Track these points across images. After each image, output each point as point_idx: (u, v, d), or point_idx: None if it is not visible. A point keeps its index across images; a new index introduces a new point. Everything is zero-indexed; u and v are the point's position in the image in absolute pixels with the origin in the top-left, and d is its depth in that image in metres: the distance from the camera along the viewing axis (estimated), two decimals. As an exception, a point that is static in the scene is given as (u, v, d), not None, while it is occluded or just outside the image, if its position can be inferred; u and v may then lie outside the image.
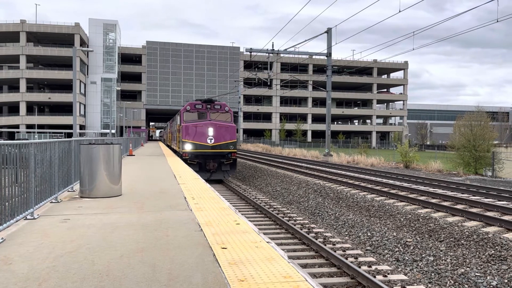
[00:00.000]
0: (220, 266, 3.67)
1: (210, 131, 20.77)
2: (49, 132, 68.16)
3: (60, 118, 74.04)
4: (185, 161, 19.75)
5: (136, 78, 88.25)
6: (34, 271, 3.54)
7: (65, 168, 7.96)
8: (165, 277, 3.42)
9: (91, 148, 7.69)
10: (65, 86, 74.70)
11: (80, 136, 60.84)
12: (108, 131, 68.31)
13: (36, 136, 63.76)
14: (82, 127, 73.86)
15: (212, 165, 20.93)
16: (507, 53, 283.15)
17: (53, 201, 7.03)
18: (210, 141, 20.73)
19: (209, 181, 19.44)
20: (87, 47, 73.02)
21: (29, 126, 71.07)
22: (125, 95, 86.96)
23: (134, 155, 22.70)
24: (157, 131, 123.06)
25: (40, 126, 72.06)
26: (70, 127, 66.51)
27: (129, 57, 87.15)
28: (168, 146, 41.66)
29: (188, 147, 20.67)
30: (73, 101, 22.76)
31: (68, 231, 4.98)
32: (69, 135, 62.03)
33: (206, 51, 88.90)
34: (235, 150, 21.63)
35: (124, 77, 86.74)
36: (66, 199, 7.47)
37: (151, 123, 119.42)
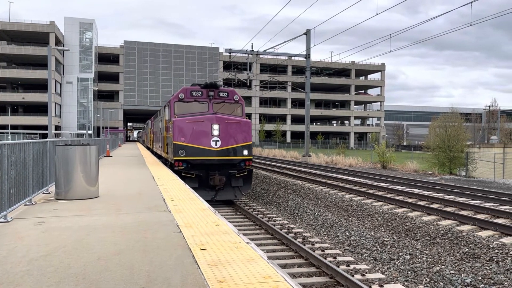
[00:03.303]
0: (199, 268, 3.65)
1: (215, 129, 14.25)
2: (23, 133, 66.46)
3: (35, 119, 72.32)
4: (178, 173, 13.56)
5: (114, 78, 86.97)
6: (7, 275, 3.44)
7: (40, 169, 7.78)
8: (144, 279, 3.38)
9: (67, 149, 7.54)
10: (40, 86, 73.05)
11: (55, 137, 59.60)
12: (84, 131, 67.11)
13: (9, 137, 62.08)
14: (57, 127, 72.33)
15: (218, 179, 14.30)
16: (479, 56, 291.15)
17: (28, 203, 6.86)
18: (215, 144, 14.14)
19: (212, 202, 13.79)
20: (63, 46, 71.55)
21: (2, 127, 69.17)
22: (102, 95, 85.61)
23: (111, 156, 22.36)
24: (135, 132, 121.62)
25: (14, 127, 70.25)
26: (45, 127, 64.99)
27: (106, 57, 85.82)
28: (148, 148, 36.67)
29: (182, 153, 14.05)
30: (48, 101, 22.25)
31: (43, 234, 4.87)
32: (44, 136, 60.63)
33: (185, 51, 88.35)
34: (251, 157, 14.98)
35: (101, 77, 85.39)
36: (41, 202, 7.30)
37: (128, 124, 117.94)
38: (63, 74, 76.35)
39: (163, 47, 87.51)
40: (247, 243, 4.48)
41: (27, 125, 71.34)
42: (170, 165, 15.50)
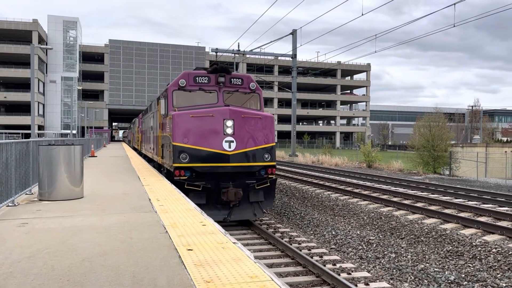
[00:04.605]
0: (186, 268, 3.63)
1: (229, 126, 10.85)
2: (5, 133, 65.25)
3: (17, 118, 71.05)
4: (178, 185, 10.23)
5: (98, 77, 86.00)
6: (-11, 278, 3.37)
7: (23, 170, 7.64)
8: (129, 281, 3.35)
9: (51, 149, 7.43)
10: (23, 85, 71.79)
11: (38, 136, 58.63)
12: (68, 131, 66.23)
13: (-9, 137, 60.94)
14: (41, 127, 71.20)
15: (234, 193, 10.83)
16: (462, 56, 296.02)
17: (10, 204, 6.74)
18: (229, 147, 10.82)
19: (223, 223, 10.67)
20: (46, 45, 70.49)
21: (-17, 127, 67.82)
22: (87, 95, 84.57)
23: (96, 156, 22.11)
24: (120, 132, 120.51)
25: (-4, 127, 68.88)
26: (28, 127, 63.87)
27: (90, 56, 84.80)
28: (136, 149, 32.39)
29: (184, 158, 10.75)
30: (31, 101, 21.89)
31: (26, 236, 4.79)
32: (27, 135, 59.65)
33: (171, 51, 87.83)
34: (275, 163, 11.70)
35: (86, 76, 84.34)
36: (24, 202, 7.18)
37: (114, 124, 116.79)
38: (46, 73, 75.20)
39: (148, 46, 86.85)
40: (234, 243, 4.47)
41: (10, 124, 70.05)
42: (167, 173, 12.08)
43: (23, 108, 73.95)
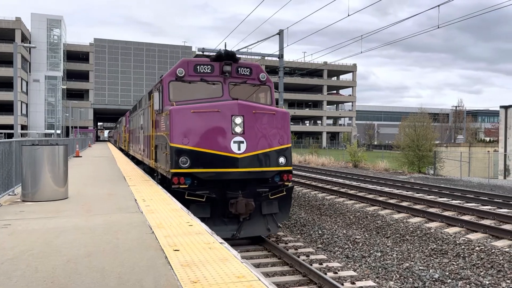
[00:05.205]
0: (172, 269, 3.60)
1: (238, 123, 9.11)
2: (-13, 133, 64.08)
3: (0, 118, 69.83)
4: (177, 194, 8.44)
5: (83, 76, 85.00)
6: (-30, 281, 3.31)
7: (6, 170, 7.51)
8: (115, 282, 3.32)
9: (34, 149, 7.31)
10: (5, 84, 70.50)
11: (22, 136, 57.71)
12: (52, 131, 65.30)
13: (-28, 137, 59.76)
14: (24, 127, 70.08)
15: (244, 204, 9.03)
16: (446, 57, 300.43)
17: (-8, 205, 6.62)
18: (238, 148, 9.08)
19: (231, 240, 8.59)
20: (30, 43, 69.38)
21: (-36, 126, 66.48)
22: (72, 94, 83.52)
23: (81, 157, 21.86)
24: (106, 132, 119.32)
25: (-23, 126, 67.55)
26: (10, 127, 62.84)
27: (75, 55, 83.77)
28: (122, 150, 30.49)
29: (183, 163, 9.00)
30: (14, 100, 21.54)
31: (9, 237, 4.71)
32: (10, 135, 58.64)
33: (157, 50, 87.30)
34: (291, 168, 9.98)
35: (70, 75, 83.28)
36: (6, 203, 7.05)
37: (99, 123, 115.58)
38: (29, 72, 74.03)
39: (134, 45, 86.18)
40: (220, 243, 4.46)
41: (-8, 124, 68.81)
42: (162, 180, 10.57)
43: (6, 108, 72.61)
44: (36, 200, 7.20)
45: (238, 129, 9.05)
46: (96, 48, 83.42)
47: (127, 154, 24.99)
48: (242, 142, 9.05)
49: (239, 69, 10.27)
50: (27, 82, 73.05)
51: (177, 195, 8.39)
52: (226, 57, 10.06)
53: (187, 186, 9.00)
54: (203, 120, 9.07)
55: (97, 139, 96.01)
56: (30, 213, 6.17)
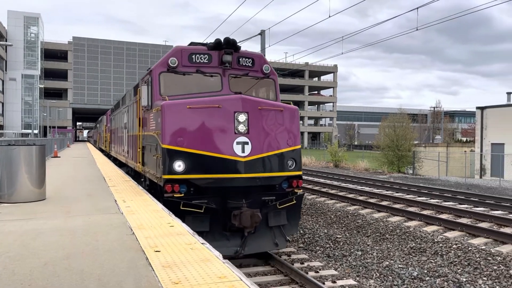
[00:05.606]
0: (153, 270, 3.57)
1: (241, 121, 7.94)
2: (-39, 133, 62.31)
3: (-26, 117, 68.07)
4: (171, 205, 7.35)
5: (62, 75, 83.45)
6: None
7: (-20, 171, 7.31)
8: (94, 284, 3.27)
9: (11, 150, 7.14)
10: (-20, 83, 68.76)
11: (-3, 136, 56.33)
12: (30, 131, 63.94)
13: None
14: (0, 127, 68.40)
15: (249, 215, 7.75)
16: (425, 59, 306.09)
17: (-34, 207, 6.44)
18: (242, 151, 7.89)
19: (234, 258, 7.83)
20: (6, 41, 67.77)
21: None
22: (50, 93, 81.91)
23: (59, 157, 21.46)
24: (85, 132, 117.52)
25: (-50, 126, 65.65)
26: (-14, 127, 61.31)
27: (53, 53, 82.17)
28: (102, 150, 29.00)
29: (179, 167, 7.77)
30: (-10, 99, 20.96)
31: (-16, 240, 4.58)
32: (-15, 135, 57.14)
33: (137, 49, 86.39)
34: (301, 173, 8.80)
35: (48, 74, 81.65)
36: (-19, 205, 6.87)
37: (78, 123, 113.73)
38: (5, 70, 72.30)
39: (114, 44, 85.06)
40: (202, 243, 4.44)
41: (-34, 124, 66.98)
42: (150, 186, 9.41)
43: (-19, 107, 70.88)
44: (12, 202, 7.04)
45: (241, 128, 7.84)
46: (75, 47, 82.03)
47: (108, 155, 23.68)
48: (247, 143, 7.82)
49: (241, 59, 9.00)
50: (3, 81, 71.31)
51: (171, 205, 7.19)
52: (226, 45, 8.73)
53: (182, 194, 7.71)
54: (201, 117, 7.83)
55: (76, 139, 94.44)
56: (6, 215, 6.03)
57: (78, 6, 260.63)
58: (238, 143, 7.76)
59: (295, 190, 8.58)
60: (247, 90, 9.00)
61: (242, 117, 7.81)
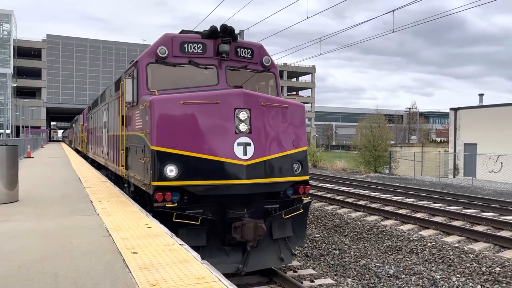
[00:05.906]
0: (130, 272, 3.53)
1: (243, 119, 6.84)
2: None
3: None
4: (162, 216, 6.25)
5: (35, 74, 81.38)
6: None
7: (-51, 172, 7.07)
8: (69, 287, 3.20)
9: (-18, 150, 6.94)
10: (-51, 81, 66.45)
11: (-33, 136, 54.58)
12: (1, 131, 62.21)
13: None
14: (-30, 126, 66.26)
15: (252, 228, 6.65)
16: (401, 61, 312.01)
17: None
18: (244, 153, 6.75)
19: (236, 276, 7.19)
20: (-24, 38, 65.77)
21: None
22: (22, 92, 79.77)
23: (33, 157, 20.95)
24: (60, 132, 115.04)
25: None
26: (-45, 126, 59.33)
27: (26, 51, 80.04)
28: (78, 151, 28.19)
29: (171, 172, 6.60)
30: (-41, 98, 20.29)
31: (-47, 243, 4.44)
32: (-46, 135, 55.31)
33: (114, 48, 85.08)
34: (307, 178, 7.72)
35: (21, 72, 79.51)
36: (-50, 207, 6.65)
37: (52, 123, 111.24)
38: (-24, 68, 70.08)
39: (90, 43, 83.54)
40: (180, 244, 4.41)
41: None
42: (135, 193, 8.35)
43: (-50, 106, 68.48)
44: (-17, 204, 6.83)
45: (243, 127, 6.82)
46: (49, 45, 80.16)
47: (85, 156, 22.58)
48: (249, 144, 6.82)
49: (239, 50, 8.02)
50: (-27, 79, 69.13)
51: (162, 216, 6.24)
52: (223, 33, 7.69)
53: (175, 204, 6.63)
54: (197, 114, 6.81)
55: (51, 139, 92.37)
56: (-24, 217, 5.85)
57: (52, 3, 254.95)
58: (239, 144, 6.76)
59: (303, 197, 7.65)
60: (243, 83, 8.07)
61: (243, 115, 6.82)
